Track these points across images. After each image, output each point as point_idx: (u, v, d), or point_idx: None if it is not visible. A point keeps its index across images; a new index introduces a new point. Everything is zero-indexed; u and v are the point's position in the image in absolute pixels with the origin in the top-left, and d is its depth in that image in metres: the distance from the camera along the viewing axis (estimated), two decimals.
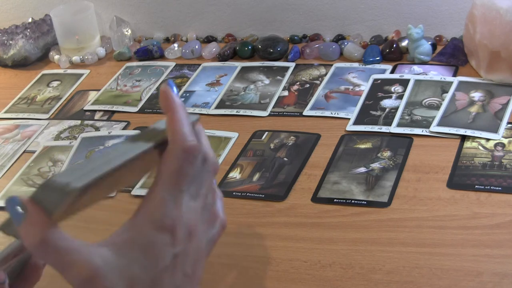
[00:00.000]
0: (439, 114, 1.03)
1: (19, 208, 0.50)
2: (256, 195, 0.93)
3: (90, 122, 1.17)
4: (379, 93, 1.11)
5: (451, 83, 1.09)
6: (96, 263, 0.50)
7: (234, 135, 1.06)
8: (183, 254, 0.54)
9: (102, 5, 1.43)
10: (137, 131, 0.54)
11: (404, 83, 1.12)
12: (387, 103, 1.08)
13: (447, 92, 1.08)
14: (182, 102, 0.55)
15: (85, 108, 1.21)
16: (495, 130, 0.97)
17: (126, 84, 1.27)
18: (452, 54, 1.18)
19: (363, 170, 0.94)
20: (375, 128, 1.02)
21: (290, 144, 1.02)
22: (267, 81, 1.20)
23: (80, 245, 0.51)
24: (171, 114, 0.55)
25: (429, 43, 1.19)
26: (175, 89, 0.57)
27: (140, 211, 0.54)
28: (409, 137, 0.99)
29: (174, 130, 0.55)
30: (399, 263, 0.78)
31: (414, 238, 0.81)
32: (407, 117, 1.03)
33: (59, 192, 0.50)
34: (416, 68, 1.16)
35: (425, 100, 1.07)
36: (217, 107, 1.15)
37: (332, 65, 1.22)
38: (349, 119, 1.06)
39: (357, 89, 1.13)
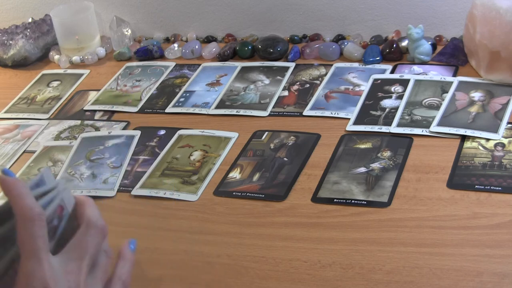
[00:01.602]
0: (439, 114, 1.03)
1: None
2: (256, 195, 0.93)
3: (90, 122, 1.17)
4: (379, 93, 1.11)
5: (451, 83, 1.09)
6: None
7: (234, 135, 1.06)
8: None
9: (102, 5, 1.43)
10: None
11: (404, 83, 1.12)
12: (387, 103, 1.08)
13: (447, 92, 1.08)
14: (19, 180, 0.60)
15: (85, 108, 1.21)
16: (495, 130, 0.97)
17: (126, 84, 1.27)
18: (452, 54, 1.18)
19: (363, 170, 0.94)
20: (375, 128, 1.02)
21: (290, 144, 1.02)
22: (267, 81, 1.20)
23: None
24: (10, 195, 0.59)
25: (429, 43, 1.19)
26: (12, 174, 0.62)
27: (18, 281, 0.59)
28: (409, 137, 0.99)
29: (15, 206, 0.59)
30: (399, 263, 0.78)
31: (414, 238, 0.81)
32: (407, 117, 1.03)
33: None
34: (416, 68, 1.16)
35: (425, 100, 1.07)
36: (217, 107, 1.15)
37: (332, 65, 1.22)
38: (349, 119, 1.06)
39: (357, 89, 1.13)
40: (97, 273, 0.64)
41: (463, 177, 0.90)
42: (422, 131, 1.00)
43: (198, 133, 1.08)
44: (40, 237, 0.59)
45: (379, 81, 1.14)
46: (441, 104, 1.05)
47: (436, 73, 1.14)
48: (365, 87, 1.13)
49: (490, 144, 0.95)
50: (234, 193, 0.94)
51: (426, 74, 1.14)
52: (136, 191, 0.97)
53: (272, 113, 1.11)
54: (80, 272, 0.61)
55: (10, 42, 1.38)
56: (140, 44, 1.40)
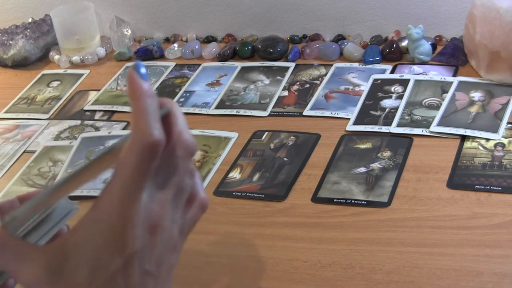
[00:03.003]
0: (439, 114, 1.03)
1: None
2: (256, 195, 0.93)
3: (90, 122, 1.17)
4: (379, 93, 1.11)
5: (451, 83, 1.09)
6: (43, 268, 0.50)
7: (234, 135, 1.06)
8: (142, 252, 0.50)
9: (102, 5, 1.43)
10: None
11: (404, 83, 1.12)
12: (387, 103, 1.08)
13: (447, 92, 1.08)
14: (151, 89, 0.50)
15: (85, 108, 1.21)
16: (495, 130, 0.97)
17: (126, 84, 1.27)
18: (452, 54, 1.18)
19: (363, 170, 0.94)
20: (375, 128, 1.02)
21: (290, 144, 1.02)
22: (267, 81, 1.20)
23: (30, 250, 0.51)
24: (135, 103, 0.49)
25: (429, 43, 1.19)
26: (143, 71, 0.51)
27: (95, 207, 0.50)
28: (409, 137, 0.99)
29: (135, 122, 0.49)
30: (399, 263, 0.78)
31: (414, 238, 0.81)
32: (407, 117, 1.03)
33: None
34: (416, 68, 1.16)
35: (425, 100, 1.07)
36: (217, 107, 1.15)
37: (332, 65, 1.22)
38: (349, 119, 1.06)
39: (357, 89, 1.13)
40: (180, 200, 0.53)
41: (463, 177, 0.90)
42: (422, 131, 1.00)
43: (198, 133, 1.08)
44: (148, 172, 0.49)
45: (379, 81, 1.14)
46: (441, 104, 1.05)
47: (436, 73, 1.14)
48: (365, 87, 1.13)
49: (490, 144, 0.95)
50: (234, 193, 0.94)
51: (426, 74, 1.14)
52: None
53: (272, 113, 1.11)
54: (164, 203, 0.51)
55: (10, 42, 1.38)
56: (140, 44, 1.40)
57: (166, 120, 0.51)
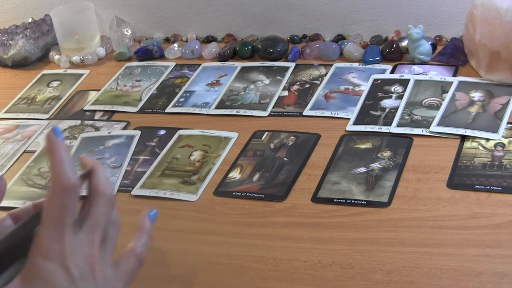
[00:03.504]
0: (439, 114, 1.03)
1: None
2: (256, 195, 0.93)
3: (90, 122, 1.17)
4: (379, 93, 1.11)
5: (451, 83, 1.09)
6: None
7: (234, 135, 1.06)
8: (86, 280, 0.58)
9: (102, 5, 1.43)
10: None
11: (404, 83, 1.12)
12: (387, 103, 1.08)
13: (447, 92, 1.08)
14: (65, 145, 0.59)
15: (85, 108, 1.21)
16: (495, 130, 0.97)
17: (126, 84, 1.27)
18: (452, 54, 1.18)
19: (363, 170, 0.94)
20: (375, 128, 1.02)
21: (290, 144, 1.02)
22: (267, 81, 1.20)
23: None
24: (52, 156, 0.58)
25: (429, 43, 1.19)
26: (60, 135, 0.60)
27: (33, 249, 0.57)
28: (409, 137, 0.99)
29: (53, 171, 0.58)
30: (399, 263, 0.78)
31: (414, 238, 0.81)
32: (407, 117, 1.03)
33: None
34: (416, 68, 1.16)
35: (425, 100, 1.07)
36: (217, 107, 1.15)
37: (332, 65, 1.22)
38: (349, 119, 1.06)
39: (357, 89, 1.13)
40: (108, 245, 0.62)
41: (463, 177, 0.90)
42: (422, 131, 1.00)
43: (198, 133, 1.08)
44: (69, 210, 0.57)
45: (379, 81, 1.14)
46: (441, 104, 1.05)
47: (436, 73, 1.14)
48: (365, 87, 1.13)
49: (490, 144, 0.95)
50: (234, 193, 0.94)
51: (426, 74, 1.14)
52: (136, 191, 0.97)
53: (272, 113, 1.11)
54: (93, 245, 0.59)
55: (10, 42, 1.38)
56: (140, 44, 1.40)
57: (90, 176, 0.62)
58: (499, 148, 0.94)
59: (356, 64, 1.21)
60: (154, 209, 0.69)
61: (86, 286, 0.57)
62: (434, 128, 1.00)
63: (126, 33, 1.40)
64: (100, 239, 0.60)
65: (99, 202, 0.61)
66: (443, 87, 1.09)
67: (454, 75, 1.13)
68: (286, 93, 1.16)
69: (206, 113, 1.14)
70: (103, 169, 0.63)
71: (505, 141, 0.95)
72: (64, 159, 0.58)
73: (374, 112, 1.06)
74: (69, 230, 0.57)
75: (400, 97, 1.08)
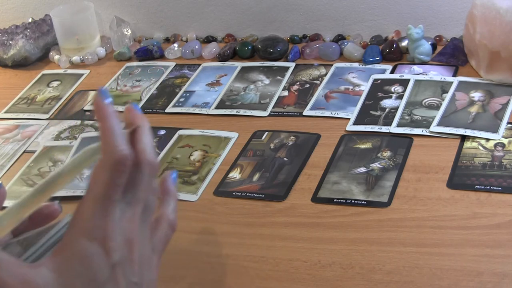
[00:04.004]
0: (439, 114, 1.03)
1: None
2: (256, 195, 0.93)
3: (90, 122, 1.17)
4: (379, 93, 1.11)
5: (451, 83, 1.09)
6: (35, 284, 0.50)
7: (234, 135, 1.06)
8: (124, 263, 0.53)
9: (102, 5, 1.43)
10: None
11: (404, 83, 1.12)
12: (387, 103, 1.08)
13: (447, 92, 1.08)
14: (114, 111, 0.55)
15: (85, 108, 1.21)
16: (495, 130, 0.97)
17: (126, 84, 1.27)
18: (452, 54, 1.18)
19: (363, 170, 0.94)
20: (375, 128, 1.02)
21: (290, 144, 1.02)
22: (267, 81, 1.20)
23: (20, 266, 0.51)
24: (102, 124, 0.54)
25: (429, 43, 1.19)
26: (108, 97, 0.56)
27: (74, 224, 0.54)
28: (409, 137, 0.99)
29: (104, 140, 0.54)
30: (399, 263, 0.78)
31: (414, 238, 0.81)
32: (407, 117, 1.03)
33: None
34: (416, 68, 1.16)
35: (425, 100, 1.07)
36: (217, 107, 1.15)
37: (332, 65, 1.22)
38: (349, 119, 1.06)
39: (357, 89, 1.13)
40: (147, 216, 0.57)
41: (463, 177, 0.90)
42: (422, 131, 1.00)
43: (198, 133, 1.08)
44: (119, 185, 0.53)
45: (379, 81, 1.14)
46: (441, 104, 1.05)
47: (436, 73, 1.14)
48: (365, 87, 1.13)
49: (490, 144, 0.95)
50: (234, 193, 0.94)
51: (426, 74, 1.14)
52: None
53: (272, 113, 1.11)
54: (134, 219, 0.55)
55: (10, 42, 1.38)
56: (140, 44, 1.40)
57: (133, 137, 0.56)
58: (499, 148, 0.94)
59: (356, 64, 1.21)
60: (173, 172, 0.64)
61: (123, 271, 0.53)
62: (434, 128, 1.00)
63: (126, 33, 1.40)
64: (141, 211, 0.56)
65: (144, 172, 0.56)
66: (443, 87, 1.09)
67: (454, 75, 1.13)
68: (286, 93, 1.16)
69: (206, 113, 1.14)
70: (148, 129, 0.57)
71: (505, 141, 0.95)
72: (115, 127, 0.54)
73: (374, 112, 1.06)
74: (115, 207, 0.53)
75: (400, 97, 1.08)
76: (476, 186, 0.88)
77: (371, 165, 0.95)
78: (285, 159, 0.99)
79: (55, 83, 1.31)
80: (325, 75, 1.19)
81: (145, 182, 0.56)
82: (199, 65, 1.29)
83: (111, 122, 0.54)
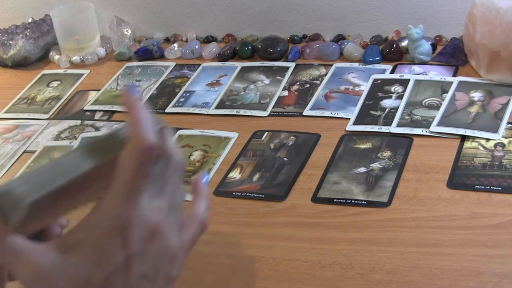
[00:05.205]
0: (439, 114, 1.03)
1: None
2: (256, 195, 0.93)
3: (90, 122, 1.17)
4: (379, 93, 1.11)
5: (451, 83, 1.09)
6: (42, 264, 0.51)
7: (234, 135, 1.06)
8: (141, 254, 0.53)
9: (102, 5, 1.43)
10: (96, 136, 0.55)
11: (404, 83, 1.12)
12: (387, 103, 1.08)
13: (447, 92, 1.08)
14: (144, 104, 0.55)
15: (85, 108, 1.21)
16: (495, 130, 0.97)
17: (126, 84, 1.27)
18: (452, 54, 1.18)
19: (363, 170, 0.94)
20: (375, 128, 1.02)
21: (290, 144, 1.02)
22: (267, 81, 1.20)
23: (29, 246, 0.51)
24: (132, 114, 0.54)
25: (429, 43, 1.19)
26: (137, 91, 0.57)
27: (96, 209, 0.53)
28: (409, 137, 0.99)
29: (133, 129, 0.53)
30: (399, 263, 0.78)
31: (414, 238, 0.81)
32: (407, 117, 1.03)
33: (14, 203, 0.51)
34: (416, 68, 1.16)
35: (425, 100, 1.07)
36: (217, 107, 1.15)
37: (332, 65, 1.22)
38: (349, 119, 1.06)
39: (357, 89, 1.13)
40: (175, 213, 0.56)
41: (463, 177, 0.90)
42: (422, 131, 1.00)
43: (198, 133, 1.08)
44: (146, 175, 0.52)
45: (379, 81, 1.14)
46: (441, 104, 1.05)
47: (436, 73, 1.14)
48: (365, 87, 1.13)
49: (490, 144, 0.95)
50: (234, 193, 0.94)
51: (426, 74, 1.14)
52: None
53: (272, 113, 1.11)
54: (162, 211, 0.54)
55: (10, 42, 1.38)
56: (140, 44, 1.40)
57: (160, 135, 0.55)
58: (499, 148, 0.94)
59: (356, 64, 1.21)
60: (205, 173, 0.65)
61: (138, 262, 0.52)
62: (434, 128, 1.00)
63: (126, 33, 1.40)
64: (168, 206, 0.55)
65: (172, 168, 0.56)
66: (443, 87, 1.09)
67: (454, 75, 1.13)
68: (286, 93, 1.16)
69: (206, 113, 1.14)
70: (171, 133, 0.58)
71: (505, 141, 0.95)
72: (144, 119, 0.53)
73: (374, 112, 1.06)
74: (141, 197, 0.52)
75: (400, 97, 1.08)
76: (476, 186, 0.88)
77: (371, 165, 0.95)
78: (285, 159, 0.99)
79: (55, 83, 1.31)
80: (325, 75, 1.19)
81: (172, 178, 0.56)
82: (199, 65, 1.29)
83: (141, 114, 0.54)
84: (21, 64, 1.38)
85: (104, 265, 0.52)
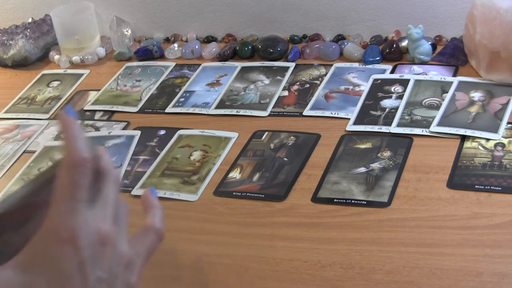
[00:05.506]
0: (439, 114, 1.03)
1: None
2: (256, 195, 0.93)
3: (90, 122, 1.17)
4: (379, 93, 1.11)
5: (451, 83, 1.09)
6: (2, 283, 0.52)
7: (234, 135, 1.06)
8: (93, 260, 0.55)
9: (102, 5, 1.43)
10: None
11: (404, 83, 1.12)
12: (387, 103, 1.08)
13: (447, 92, 1.08)
14: (77, 123, 0.59)
15: (85, 108, 1.21)
16: (495, 130, 0.97)
17: (126, 84, 1.27)
18: (452, 54, 1.18)
19: (363, 170, 0.94)
20: (375, 128, 1.02)
21: (290, 144, 1.02)
22: (267, 81, 1.20)
23: None
24: (66, 132, 0.58)
25: (429, 43, 1.19)
26: (73, 113, 0.60)
27: (44, 225, 0.55)
28: (409, 137, 0.99)
29: (66, 145, 0.57)
30: (399, 263, 0.78)
31: (414, 238, 0.82)
32: (407, 117, 1.03)
33: None
34: (416, 68, 1.16)
35: (425, 100, 1.07)
36: (217, 107, 1.15)
37: (332, 65, 1.22)
38: (349, 119, 1.06)
39: (357, 89, 1.13)
40: (121, 224, 0.59)
41: (463, 177, 0.90)
42: (422, 131, 1.00)
43: (198, 133, 1.08)
44: (82, 186, 0.56)
45: (379, 81, 1.14)
46: (441, 104, 1.05)
47: (436, 73, 1.14)
48: (365, 87, 1.13)
49: (490, 144, 0.95)
50: (234, 193, 0.94)
51: (426, 74, 1.14)
52: (136, 191, 0.97)
53: (272, 113, 1.11)
54: (107, 220, 0.57)
55: (10, 42, 1.38)
56: (140, 44, 1.40)
57: (96, 152, 0.60)
58: (499, 148, 0.94)
59: (356, 64, 1.21)
60: (151, 187, 0.70)
61: (92, 267, 0.55)
62: (434, 128, 1.00)
63: (126, 33, 1.40)
64: (112, 216, 0.58)
65: (109, 180, 0.60)
66: (443, 87, 1.09)
67: (454, 75, 1.13)
68: (286, 93, 1.16)
69: (206, 113, 1.14)
70: (106, 152, 0.63)
71: (505, 141, 0.95)
72: (76, 136, 0.58)
73: (374, 112, 1.06)
74: (81, 206, 0.55)
75: (400, 97, 1.08)
76: (476, 186, 0.88)
77: (371, 165, 0.95)
78: (285, 159, 0.99)
79: (55, 83, 1.31)
80: (325, 75, 1.19)
81: (111, 191, 0.59)
82: (199, 65, 1.29)
83: (72, 131, 0.58)
84: (21, 64, 1.38)
85: (60, 275, 0.54)
